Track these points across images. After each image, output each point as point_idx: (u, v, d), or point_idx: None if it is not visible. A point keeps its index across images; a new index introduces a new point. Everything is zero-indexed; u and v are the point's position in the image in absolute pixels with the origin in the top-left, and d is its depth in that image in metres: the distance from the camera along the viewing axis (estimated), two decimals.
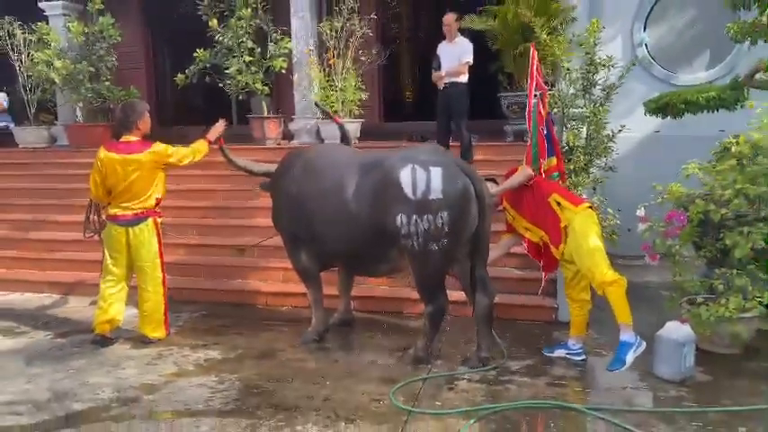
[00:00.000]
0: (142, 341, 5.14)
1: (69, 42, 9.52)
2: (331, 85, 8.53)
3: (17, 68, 9.53)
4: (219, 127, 5.24)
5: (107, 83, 9.50)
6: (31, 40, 9.37)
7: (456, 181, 4.20)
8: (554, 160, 5.05)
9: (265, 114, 8.92)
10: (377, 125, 10.17)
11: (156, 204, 5.01)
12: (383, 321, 5.60)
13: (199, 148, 5.12)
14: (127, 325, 5.42)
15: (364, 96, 8.70)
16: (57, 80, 9.12)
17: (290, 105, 9.26)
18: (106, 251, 5.11)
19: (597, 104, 5.39)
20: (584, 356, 4.55)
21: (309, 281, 5.03)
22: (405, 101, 13.40)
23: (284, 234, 5.02)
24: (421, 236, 4.17)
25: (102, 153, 4.85)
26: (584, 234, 4.25)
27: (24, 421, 3.83)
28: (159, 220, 5.09)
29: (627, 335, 4.19)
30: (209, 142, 5.15)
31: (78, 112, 9.82)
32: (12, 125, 10.14)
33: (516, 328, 5.22)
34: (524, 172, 4.58)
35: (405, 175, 4.21)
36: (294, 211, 4.73)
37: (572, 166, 5.27)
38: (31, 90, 9.59)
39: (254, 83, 8.69)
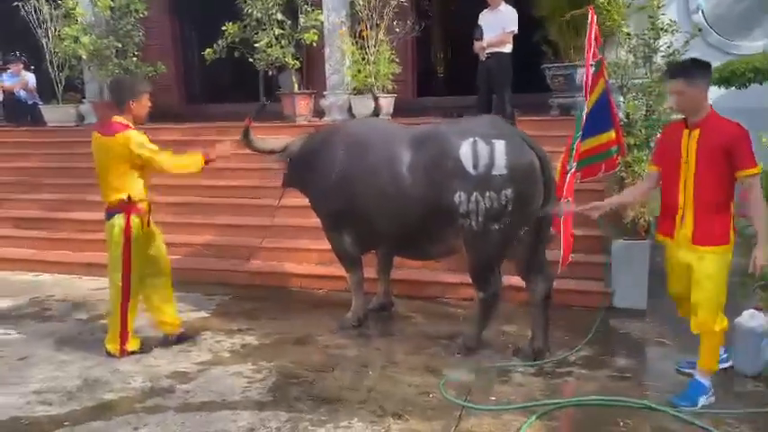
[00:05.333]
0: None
1: (96, 17, 9.29)
2: (363, 59, 8.16)
3: (44, 45, 9.35)
4: (223, 153, 4.56)
5: (134, 59, 9.27)
6: (57, 15, 9.16)
7: (521, 155, 3.86)
8: (612, 134, 4.64)
9: (295, 90, 8.59)
10: (410, 101, 9.78)
11: (129, 201, 4.20)
12: (423, 306, 5.30)
13: (187, 163, 4.37)
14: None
15: (398, 70, 8.32)
16: (84, 56, 8.90)
17: (320, 81, 8.92)
18: None
19: (659, 73, 4.95)
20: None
21: (351, 264, 4.74)
22: (439, 75, 12.92)
23: (323, 215, 4.71)
24: (481, 215, 3.84)
25: (93, 133, 4.29)
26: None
27: (54, 411, 3.63)
28: (135, 218, 4.24)
29: (705, 379, 3.55)
30: (207, 161, 4.40)
31: (105, 90, 9.61)
32: (40, 104, 10.00)
33: (570, 315, 4.88)
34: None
35: (465, 149, 3.88)
36: (336, 191, 4.41)
37: (632, 141, 4.87)
38: (58, 67, 9.40)
39: (284, 57, 8.36)
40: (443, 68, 13.08)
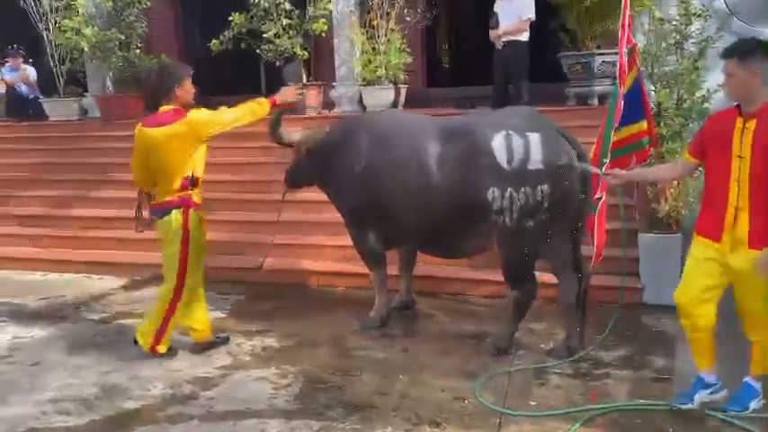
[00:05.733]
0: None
1: (98, 8, 9.08)
2: (374, 49, 7.96)
3: (45, 38, 9.13)
4: (292, 92, 4.46)
5: (138, 51, 9.06)
6: (57, 6, 8.93)
7: (557, 148, 3.69)
8: (644, 124, 4.46)
9: (304, 81, 8.39)
10: (420, 91, 9.58)
11: (185, 188, 4.01)
12: (445, 304, 5.15)
13: (255, 109, 4.13)
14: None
15: (409, 60, 8.12)
16: (86, 49, 8.67)
17: (328, 72, 8.71)
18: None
19: (691, 60, 4.77)
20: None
21: (374, 262, 4.57)
22: (450, 65, 12.65)
23: (346, 211, 4.54)
24: (516, 212, 3.67)
25: (138, 129, 4.04)
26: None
27: (73, 422, 3.47)
28: (193, 214, 4.06)
29: (756, 382, 3.34)
30: (274, 105, 4.23)
31: (109, 83, 9.41)
32: (41, 98, 9.78)
33: (600, 313, 4.70)
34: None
35: (498, 143, 3.71)
36: (361, 186, 4.24)
37: (665, 131, 4.69)
38: (59, 60, 9.18)
39: (292, 47, 8.15)
40: (453, 58, 12.80)
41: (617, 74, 4.40)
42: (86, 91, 9.71)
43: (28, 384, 3.95)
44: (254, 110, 4.14)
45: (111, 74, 9.20)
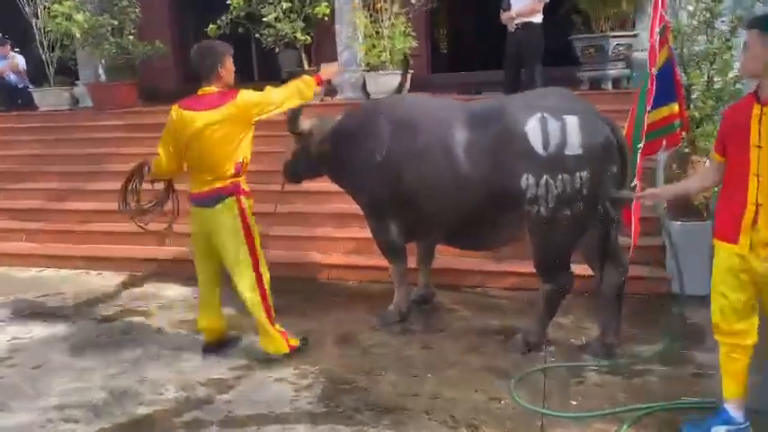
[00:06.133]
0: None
1: None
2: (378, 33, 7.68)
3: (33, 24, 8.78)
4: (335, 68, 4.19)
5: (131, 37, 8.73)
6: None
7: (596, 132, 3.46)
8: (675, 106, 4.26)
9: (306, 68, 8.11)
10: (425, 77, 9.32)
11: (237, 174, 3.74)
12: (465, 297, 4.93)
13: (303, 89, 3.80)
14: (172, 304, 4.86)
15: (414, 44, 7.85)
16: (77, 35, 8.32)
17: (330, 58, 8.39)
18: (192, 239, 3.94)
19: (722, 40, 4.55)
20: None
21: (395, 255, 4.35)
22: (455, 50, 12.28)
23: (365, 202, 4.30)
24: (551, 200, 3.45)
25: (175, 112, 3.67)
26: None
27: (82, 431, 3.23)
28: (246, 200, 3.80)
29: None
30: (319, 82, 3.92)
31: (101, 71, 9.09)
32: (31, 87, 9.43)
33: (630, 305, 4.50)
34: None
35: (532, 127, 3.47)
36: (382, 175, 4.00)
37: (696, 114, 4.49)
38: (49, 48, 8.84)
39: (293, 32, 7.86)
40: (459, 43, 12.42)
41: (647, 54, 4.20)
42: (77, 79, 9.37)
43: (31, 389, 3.71)
44: (301, 90, 3.82)
45: (103, 61, 8.86)
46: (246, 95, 3.66)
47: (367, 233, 5.76)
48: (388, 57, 7.60)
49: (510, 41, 6.67)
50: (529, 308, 4.64)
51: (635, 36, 6.91)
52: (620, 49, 6.85)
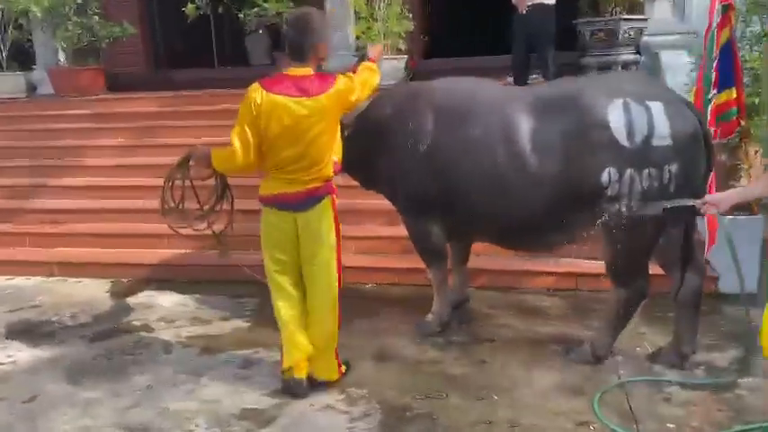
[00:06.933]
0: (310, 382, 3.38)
1: None
2: (372, 14, 7.18)
3: None
4: (380, 47, 3.81)
5: (96, 17, 7.94)
6: None
7: (685, 120, 3.10)
8: (733, 92, 4.00)
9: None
10: (421, 63, 8.83)
11: (334, 173, 3.28)
12: (500, 299, 4.54)
13: (375, 75, 3.41)
14: (173, 316, 4.36)
15: (411, 27, 7.39)
16: (38, 14, 7.49)
17: None
18: (266, 250, 3.32)
19: None
20: None
21: (435, 258, 3.91)
22: (450, 33, 11.74)
23: (402, 197, 3.82)
24: (636, 197, 3.08)
25: (261, 94, 3.01)
26: None
27: None
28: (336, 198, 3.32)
29: None
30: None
31: (61, 54, 8.27)
32: None
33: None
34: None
35: (615, 114, 3.08)
36: (425, 169, 3.55)
37: (755, 100, 4.20)
38: (2, 29, 7.96)
39: (278, 12, 7.26)
40: (457, 26, 11.90)
41: (714, 35, 3.90)
42: (34, 64, 8.51)
43: (28, 430, 3.12)
44: (373, 75, 3.39)
45: (63, 43, 8.05)
46: (346, 81, 3.15)
47: (381, 231, 5.36)
48: (383, 40, 7.11)
49: (519, 24, 6.29)
50: (572, 311, 4.33)
51: (645, 20, 6.64)
52: (631, 33, 6.56)
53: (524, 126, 3.30)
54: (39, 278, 5.45)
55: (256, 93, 3.02)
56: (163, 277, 5.25)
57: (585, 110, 3.15)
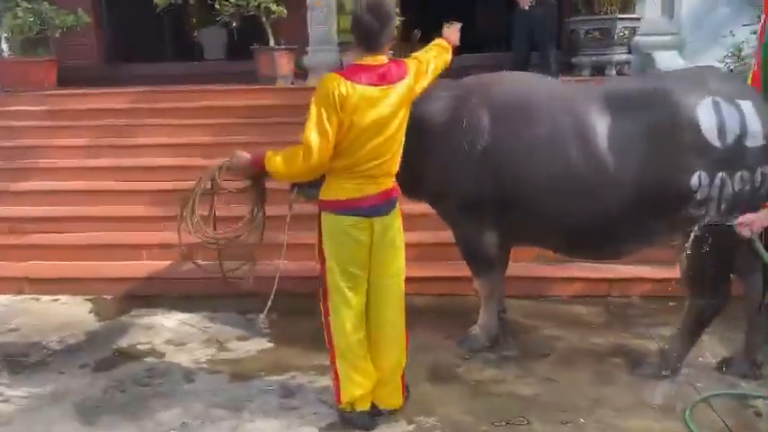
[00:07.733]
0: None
1: None
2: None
3: None
4: (457, 28, 3.40)
5: (46, 3, 7.18)
6: None
7: None
8: None
9: (272, 45, 7.08)
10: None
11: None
12: (536, 308, 4.32)
13: (444, 55, 3.16)
14: (182, 338, 3.95)
15: (397, 21, 7.07)
16: None
17: (299, 34, 7.40)
18: (335, 265, 2.87)
19: None
20: None
21: (486, 267, 3.62)
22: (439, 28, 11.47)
23: (453, 200, 3.48)
24: (725, 201, 2.91)
25: (346, 86, 2.63)
26: None
27: None
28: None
29: None
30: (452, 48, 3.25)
31: (4, 45, 7.45)
32: None
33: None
34: None
35: (705, 113, 2.89)
36: (482, 171, 3.26)
37: None
38: None
39: (258, 4, 6.78)
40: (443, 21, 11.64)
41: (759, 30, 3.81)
42: None
43: None
44: (444, 54, 3.15)
45: (9, 32, 7.24)
46: (417, 65, 2.92)
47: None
48: None
49: (520, 21, 6.13)
50: (614, 320, 4.17)
51: (638, 20, 6.63)
52: (625, 32, 6.53)
53: (600, 124, 3.07)
54: (7, 296, 4.80)
55: (339, 84, 2.63)
56: (149, 293, 4.73)
57: (671, 108, 2.96)
